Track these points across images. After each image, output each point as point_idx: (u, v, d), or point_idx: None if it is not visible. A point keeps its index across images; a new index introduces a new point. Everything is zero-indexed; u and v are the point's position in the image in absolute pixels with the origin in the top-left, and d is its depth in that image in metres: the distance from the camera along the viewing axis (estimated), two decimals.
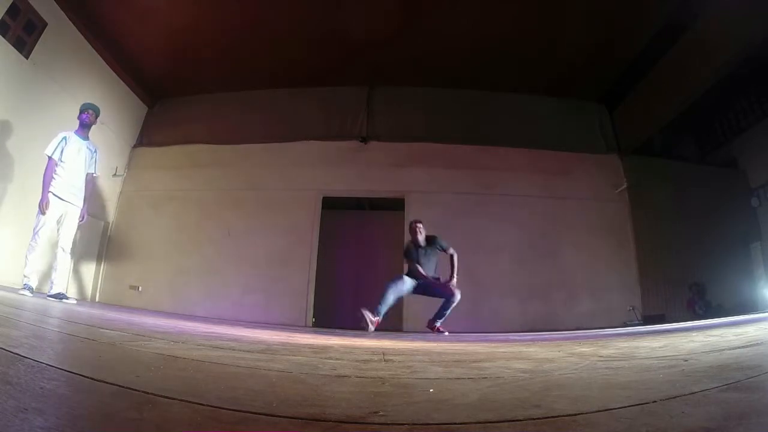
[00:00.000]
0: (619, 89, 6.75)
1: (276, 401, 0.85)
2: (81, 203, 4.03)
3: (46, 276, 4.08)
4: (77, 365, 1.09)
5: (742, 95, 6.80)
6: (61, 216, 3.91)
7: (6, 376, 0.83)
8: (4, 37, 4.59)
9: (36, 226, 3.78)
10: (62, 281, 3.96)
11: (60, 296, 3.79)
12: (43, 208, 3.77)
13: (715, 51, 4.97)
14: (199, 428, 0.64)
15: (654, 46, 5.84)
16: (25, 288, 3.62)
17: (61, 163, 3.89)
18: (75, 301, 3.99)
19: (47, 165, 3.86)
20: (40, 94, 5.11)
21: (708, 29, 5.06)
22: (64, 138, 3.97)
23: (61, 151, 3.91)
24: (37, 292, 3.77)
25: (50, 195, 3.80)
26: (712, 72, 5.17)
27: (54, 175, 3.84)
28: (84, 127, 4.12)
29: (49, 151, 3.88)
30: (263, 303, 5.94)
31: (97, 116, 4.23)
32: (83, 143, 4.07)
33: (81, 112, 4.13)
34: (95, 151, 4.18)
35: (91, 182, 4.16)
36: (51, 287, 3.87)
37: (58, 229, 3.93)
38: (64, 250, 3.94)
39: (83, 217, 4.05)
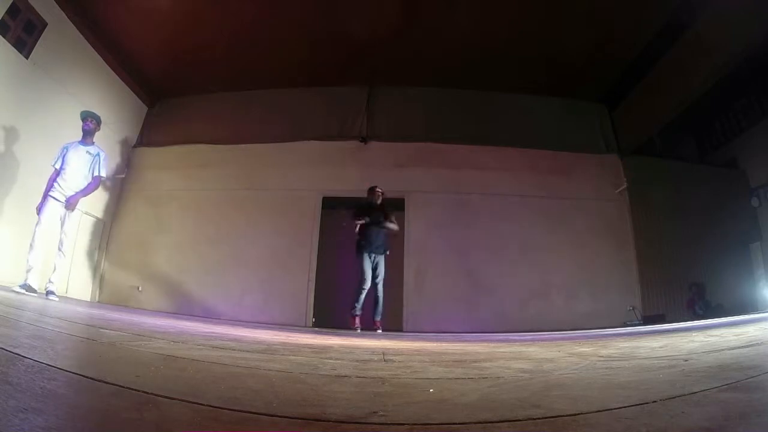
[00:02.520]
0: (619, 89, 6.75)
1: (276, 401, 0.86)
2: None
3: (46, 275, 4.13)
4: (77, 365, 1.09)
5: (742, 95, 6.79)
6: (62, 218, 4.07)
7: (6, 376, 0.83)
8: (4, 37, 4.59)
9: (36, 227, 3.93)
10: (58, 280, 4.06)
11: (48, 292, 3.88)
12: (37, 210, 4.01)
13: (715, 51, 4.97)
14: (199, 428, 0.64)
15: (654, 46, 5.84)
16: (22, 287, 3.68)
17: (62, 171, 4.10)
18: (57, 299, 3.94)
19: (51, 175, 4.12)
20: (40, 94, 5.11)
21: (708, 29, 5.06)
22: (65, 147, 4.21)
23: (63, 160, 4.14)
24: (40, 292, 3.86)
25: (50, 199, 4.00)
26: (712, 72, 5.16)
27: (56, 183, 4.06)
28: (86, 135, 4.28)
29: (52, 162, 4.16)
30: (263, 303, 5.94)
31: (98, 123, 4.39)
32: (83, 149, 4.22)
33: (82, 120, 4.32)
34: (98, 155, 4.26)
35: (93, 182, 4.22)
36: (48, 285, 3.97)
37: (60, 232, 4.09)
38: (61, 251, 4.06)
39: (69, 203, 4.04)
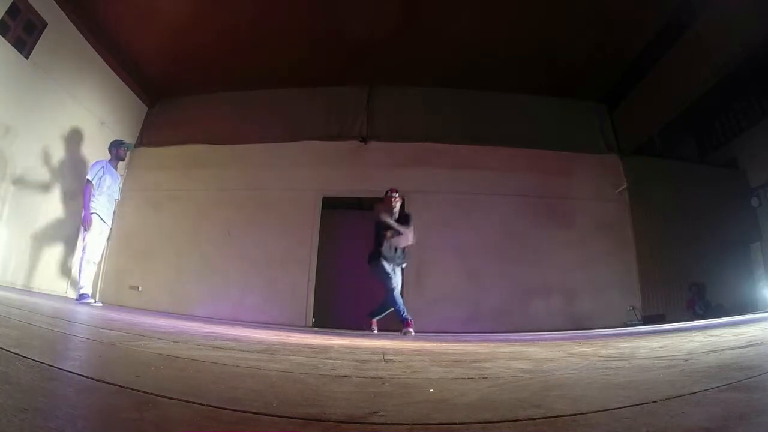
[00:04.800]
0: (619, 89, 6.74)
1: (276, 401, 0.86)
2: (110, 223, 4.62)
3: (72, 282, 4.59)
4: (77, 365, 1.09)
5: (742, 95, 6.79)
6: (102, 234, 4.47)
7: (6, 376, 0.83)
8: (4, 37, 4.59)
9: (85, 242, 4.30)
10: (88, 286, 4.42)
11: (84, 297, 4.25)
12: (87, 225, 4.29)
13: (715, 51, 4.96)
14: (199, 428, 0.64)
15: (654, 46, 5.84)
16: (85, 297, 4.11)
17: (101, 190, 4.41)
18: (100, 304, 4.40)
19: (86, 187, 4.40)
20: (40, 94, 5.11)
21: (708, 29, 5.06)
22: (102, 167, 4.51)
23: (100, 179, 4.44)
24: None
25: (95, 216, 4.31)
26: (712, 72, 5.16)
27: (93, 199, 4.35)
28: (117, 160, 4.74)
29: (90, 176, 4.44)
30: (263, 303, 5.93)
31: (128, 151, 4.93)
32: (116, 175, 4.71)
33: (117, 147, 4.72)
34: (119, 180, 4.83)
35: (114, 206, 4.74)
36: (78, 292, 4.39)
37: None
38: (93, 263, 4.42)
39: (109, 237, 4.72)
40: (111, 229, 4.67)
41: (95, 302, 4.17)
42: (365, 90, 6.97)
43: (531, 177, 6.45)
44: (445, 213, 6.31)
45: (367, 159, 6.59)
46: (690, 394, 0.85)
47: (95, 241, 4.32)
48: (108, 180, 4.49)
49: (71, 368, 0.98)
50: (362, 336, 3.51)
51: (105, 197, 4.43)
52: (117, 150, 4.67)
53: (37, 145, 5.07)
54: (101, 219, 4.37)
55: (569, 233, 6.20)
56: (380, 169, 6.50)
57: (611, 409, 0.77)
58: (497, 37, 5.86)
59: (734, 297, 6.10)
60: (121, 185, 4.86)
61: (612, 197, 6.40)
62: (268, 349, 1.81)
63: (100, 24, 5.69)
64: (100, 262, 4.70)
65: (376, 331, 4.34)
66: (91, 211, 4.30)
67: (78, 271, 4.32)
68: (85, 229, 4.31)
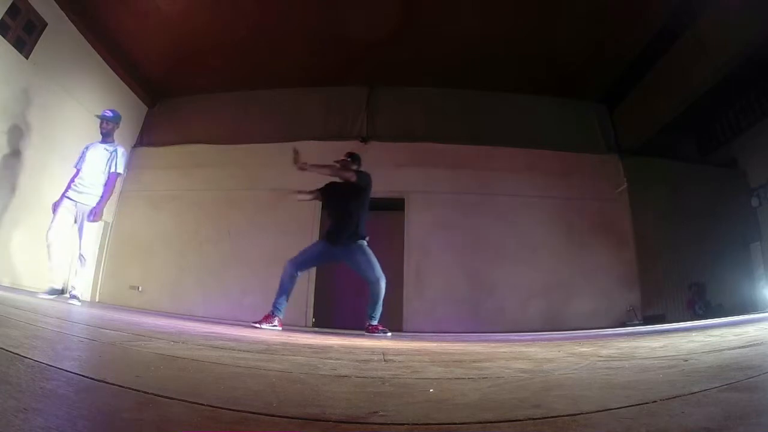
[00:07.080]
0: (619, 89, 6.75)
1: (276, 401, 0.86)
2: (93, 202, 3.95)
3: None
4: (77, 365, 1.09)
5: (742, 95, 6.78)
6: (79, 222, 3.93)
7: (6, 376, 0.83)
8: (4, 37, 4.59)
9: (48, 232, 3.81)
10: (80, 284, 3.99)
11: (71, 296, 3.85)
12: (52, 208, 3.92)
13: (715, 51, 4.97)
14: (199, 428, 0.64)
15: (654, 45, 5.84)
16: (50, 293, 3.70)
17: (80, 170, 4.07)
18: (79, 304, 3.97)
19: (72, 175, 4.09)
20: (40, 93, 5.11)
21: (708, 29, 5.06)
22: (84, 150, 4.19)
23: (82, 160, 4.13)
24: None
25: (65, 199, 3.92)
26: (712, 72, 5.16)
27: (73, 183, 4.00)
28: (104, 135, 4.24)
29: (74, 164, 4.14)
30: (263, 303, 5.92)
31: (111, 121, 4.28)
32: (102, 146, 4.15)
33: (98, 123, 4.33)
34: (114, 151, 4.11)
35: (110, 180, 4.04)
36: (70, 289, 3.94)
37: (78, 236, 3.94)
38: (82, 256, 3.93)
39: (94, 214, 3.91)
40: (98, 207, 3.93)
41: (53, 298, 3.61)
42: (365, 90, 6.97)
43: (531, 177, 6.45)
44: (445, 213, 6.31)
45: (367, 159, 6.53)
46: (690, 394, 0.85)
47: (56, 229, 3.83)
48: (89, 156, 4.05)
49: (71, 368, 0.98)
50: (362, 336, 3.51)
51: (81, 176, 3.98)
52: (99, 126, 4.23)
53: (37, 145, 5.07)
54: (70, 199, 3.90)
55: (569, 233, 6.20)
56: (380, 169, 6.47)
57: (611, 409, 0.77)
58: (497, 37, 5.86)
59: (734, 297, 6.10)
60: (122, 156, 4.12)
61: (612, 197, 6.40)
62: (268, 349, 1.81)
63: (100, 24, 5.70)
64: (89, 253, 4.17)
65: (389, 334, 3.79)
66: (65, 195, 3.92)
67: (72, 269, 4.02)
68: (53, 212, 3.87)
